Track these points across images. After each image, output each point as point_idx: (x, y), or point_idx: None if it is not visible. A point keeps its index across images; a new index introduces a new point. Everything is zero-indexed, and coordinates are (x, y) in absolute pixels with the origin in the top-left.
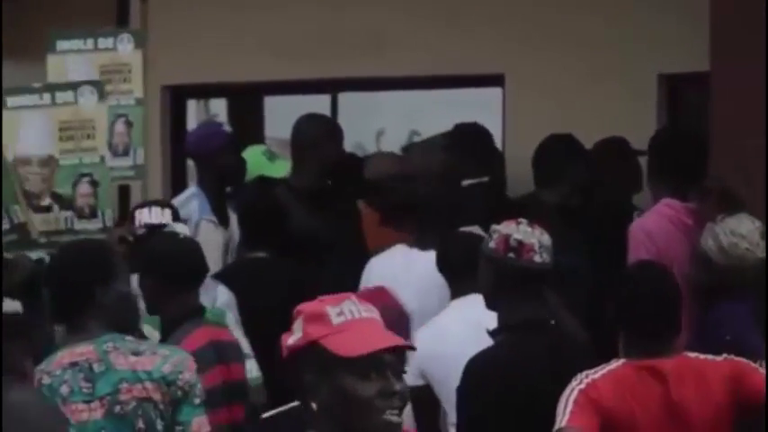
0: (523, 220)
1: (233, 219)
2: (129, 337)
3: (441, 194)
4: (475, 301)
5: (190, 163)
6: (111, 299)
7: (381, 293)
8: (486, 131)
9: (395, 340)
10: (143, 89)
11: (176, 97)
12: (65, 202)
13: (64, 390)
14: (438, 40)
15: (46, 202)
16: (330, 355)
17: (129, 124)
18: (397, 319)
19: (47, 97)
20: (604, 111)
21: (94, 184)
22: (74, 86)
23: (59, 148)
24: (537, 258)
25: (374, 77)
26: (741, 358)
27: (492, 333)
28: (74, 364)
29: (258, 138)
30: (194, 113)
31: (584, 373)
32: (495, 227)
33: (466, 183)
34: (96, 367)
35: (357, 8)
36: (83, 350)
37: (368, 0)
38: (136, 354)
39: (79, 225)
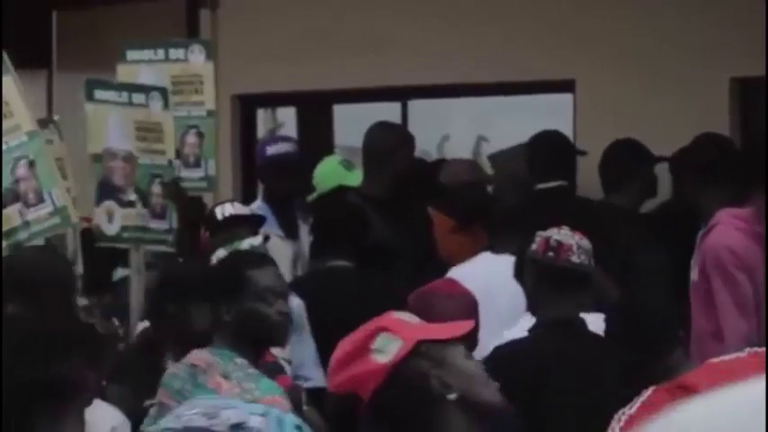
0: (565, 227)
1: (303, 229)
2: (239, 360)
3: (515, 200)
4: None
5: None
6: (237, 316)
7: (451, 284)
8: (566, 138)
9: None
10: (214, 100)
11: (246, 107)
12: (143, 200)
13: (176, 385)
14: (507, 46)
15: (131, 197)
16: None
17: (200, 135)
18: (468, 305)
19: (124, 96)
20: (675, 116)
21: (164, 186)
22: (145, 90)
23: (136, 147)
24: (575, 258)
25: (443, 84)
26: None
27: (528, 331)
28: (193, 366)
29: (327, 146)
30: (262, 122)
31: (621, 411)
32: (538, 232)
33: (541, 186)
34: (200, 378)
35: (425, 16)
36: (202, 356)
37: (435, 8)
38: (225, 377)
39: (152, 224)
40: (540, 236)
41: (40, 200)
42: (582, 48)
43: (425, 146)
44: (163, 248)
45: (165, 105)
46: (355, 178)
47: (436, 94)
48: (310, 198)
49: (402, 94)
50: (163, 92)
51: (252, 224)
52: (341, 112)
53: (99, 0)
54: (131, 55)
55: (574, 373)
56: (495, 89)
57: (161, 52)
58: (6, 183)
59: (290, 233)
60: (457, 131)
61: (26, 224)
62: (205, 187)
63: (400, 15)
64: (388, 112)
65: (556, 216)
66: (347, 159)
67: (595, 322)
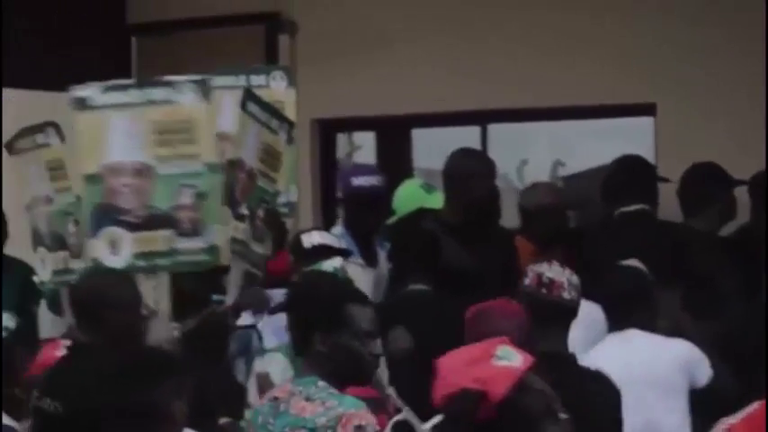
0: (555, 262)
1: (380, 255)
2: (321, 383)
3: (597, 224)
4: (631, 337)
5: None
6: (332, 349)
7: (506, 304)
8: (647, 162)
9: None
10: (295, 127)
11: (325, 131)
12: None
13: (259, 420)
14: (586, 70)
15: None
16: None
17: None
18: (520, 326)
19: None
20: (758, 138)
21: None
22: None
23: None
24: (566, 295)
25: (523, 108)
26: None
27: None
28: (275, 399)
29: (406, 169)
30: (339, 145)
31: (722, 420)
32: (530, 266)
33: (622, 210)
34: (282, 407)
35: (504, 41)
36: (285, 388)
37: (515, 33)
38: (308, 399)
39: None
40: (533, 271)
41: (196, 233)
42: (663, 72)
43: (504, 170)
44: (257, 272)
45: (289, 141)
46: (435, 201)
47: (516, 118)
48: (390, 221)
49: (481, 118)
50: (290, 126)
51: (338, 255)
52: (420, 134)
53: (178, 26)
54: (213, 81)
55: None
56: (575, 113)
57: (242, 78)
58: (165, 206)
59: (371, 262)
60: (536, 155)
61: (173, 252)
62: (287, 213)
63: (480, 40)
64: (468, 135)
65: (636, 240)
66: (427, 182)
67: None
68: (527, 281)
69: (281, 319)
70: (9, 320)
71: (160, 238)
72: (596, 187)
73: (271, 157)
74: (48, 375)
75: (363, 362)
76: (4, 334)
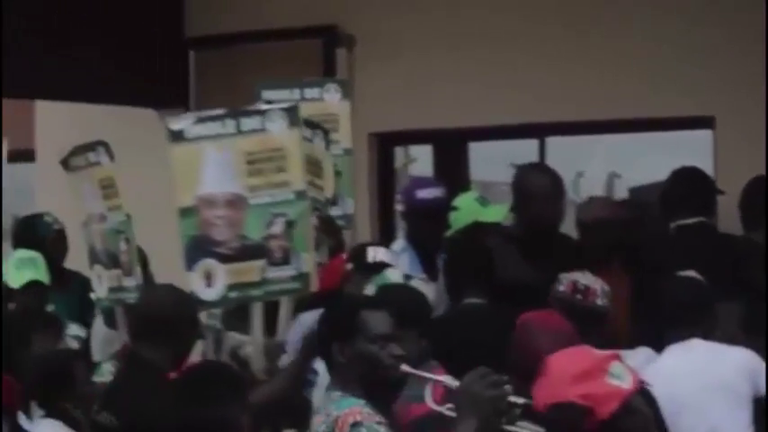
0: (587, 271)
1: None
2: (335, 393)
3: (654, 237)
4: (694, 346)
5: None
6: (348, 356)
7: (547, 317)
8: (706, 174)
9: None
10: (350, 139)
11: (383, 145)
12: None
13: None
14: (644, 83)
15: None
16: None
17: (337, 174)
18: (564, 340)
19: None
20: None
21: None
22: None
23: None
24: (599, 301)
25: (581, 121)
26: None
27: None
28: None
29: (463, 182)
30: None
31: None
32: (563, 274)
33: (680, 223)
34: None
35: (562, 54)
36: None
37: (572, 47)
38: (317, 413)
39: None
40: (567, 279)
41: (287, 261)
42: (722, 85)
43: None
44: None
45: (327, 146)
46: (491, 214)
47: (573, 131)
48: (447, 234)
49: (539, 131)
50: (325, 133)
51: None
52: (476, 146)
53: (236, 39)
54: (267, 95)
55: None
56: (632, 126)
57: (297, 92)
58: (257, 236)
59: (434, 276)
60: (593, 169)
61: (264, 281)
62: (343, 225)
63: (538, 54)
64: (525, 148)
65: (695, 252)
66: (483, 195)
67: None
68: (561, 288)
69: None
70: (79, 330)
71: (253, 269)
72: (652, 199)
73: (312, 164)
74: (108, 390)
75: (382, 365)
76: (75, 343)
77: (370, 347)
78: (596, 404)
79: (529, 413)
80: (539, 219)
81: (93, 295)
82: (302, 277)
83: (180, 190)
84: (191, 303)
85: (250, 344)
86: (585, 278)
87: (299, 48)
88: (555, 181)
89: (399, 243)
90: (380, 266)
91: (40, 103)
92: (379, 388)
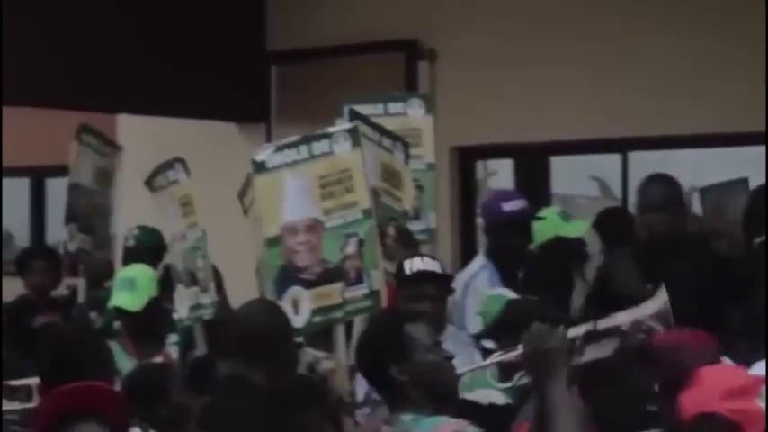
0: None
1: None
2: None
3: (739, 253)
4: None
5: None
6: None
7: (697, 332)
8: None
9: None
10: (433, 153)
11: (464, 159)
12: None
13: None
14: (729, 96)
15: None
16: None
17: (419, 188)
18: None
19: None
20: None
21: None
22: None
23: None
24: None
25: (664, 136)
26: None
27: None
28: None
29: (544, 196)
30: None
31: None
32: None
33: (762, 240)
34: None
35: (645, 68)
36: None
37: (655, 61)
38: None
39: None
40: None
41: (359, 280)
42: None
43: None
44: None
45: (406, 159)
46: (574, 229)
47: (656, 145)
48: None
49: (622, 146)
50: (405, 145)
51: (441, 281)
52: (556, 159)
53: (317, 54)
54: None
55: None
56: (716, 141)
57: (380, 107)
58: (335, 259)
59: (516, 291)
60: None
61: (343, 303)
62: (426, 240)
63: (620, 68)
64: (607, 163)
65: None
66: (565, 211)
67: None
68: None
69: None
70: (176, 337)
71: (333, 292)
72: (733, 200)
73: (391, 175)
74: (204, 408)
75: (444, 370)
76: (174, 352)
77: (431, 356)
78: (746, 422)
79: None
80: (655, 229)
81: (175, 315)
82: (373, 294)
83: (266, 220)
84: (287, 320)
85: (326, 359)
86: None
87: (381, 62)
88: (672, 191)
89: (479, 259)
90: (420, 276)
91: (122, 120)
92: (444, 394)
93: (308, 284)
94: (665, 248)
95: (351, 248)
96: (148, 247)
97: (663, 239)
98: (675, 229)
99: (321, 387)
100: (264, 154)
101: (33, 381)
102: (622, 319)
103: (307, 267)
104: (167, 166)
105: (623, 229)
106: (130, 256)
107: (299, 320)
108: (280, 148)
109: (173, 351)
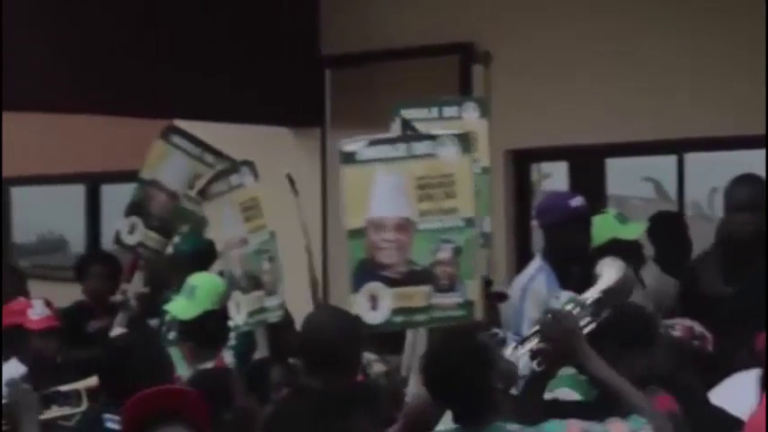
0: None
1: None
2: (511, 426)
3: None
4: None
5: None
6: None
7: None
8: None
9: None
10: (489, 157)
11: (519, 162)
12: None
13: None
14: None
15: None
16: None
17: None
18: None
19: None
20: None
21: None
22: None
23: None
24: (709, 347)
25: (719, 137)
26: None
27: None
28: None
29: (599, 197)
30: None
31: None
32: (678, 320)
33: None
34: None
35: (700, 68)
36: None
37: (710, 60)
38: None
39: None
40: (681, 324)
41: (452, 288)
42: None
43: (699, 199)
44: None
45: (465, 151)
46: (630, 231)
47: (712, 147)
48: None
49: (677, 147)
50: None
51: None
52: (611, 161)
53: (371, 58)
54: (405, 113)
55: None
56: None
57: (435, 110)
58: (425, 261)
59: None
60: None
61: (430, 307)
62: (481, 244)
63: (675, 69)
64: (662, 164)
65: None
66: (621, 212)
67: None
68: (677, 333)
69: None
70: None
71: (418, 294)
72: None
73: (432, 187)
74: (270, 416)
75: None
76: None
77: (508, 361)
78: None
79: None
80: (737, 230)
81: (230, 323)
82: (468, 305)
83: (349, 211)
84: (356, 328)
85: (378, 362)
86: (699, 326)
87: (435, 65)
88: (758, 192)
89: (536, 262)
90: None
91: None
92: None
93: (391, 283)
94: (751, 249)
95: (444, 254)
96: (188, 255)
97: (748, 240)
98: (760, 229)
99: (379, 392)
100: (355, 145)
101: (82, 385)
102: (591, 294)
103: (392, 265)
104: (229, 171)
105: (677, 233)
106: (170, 265)
107: (376, 317)
108: (373, 143)
109: (227, 356)
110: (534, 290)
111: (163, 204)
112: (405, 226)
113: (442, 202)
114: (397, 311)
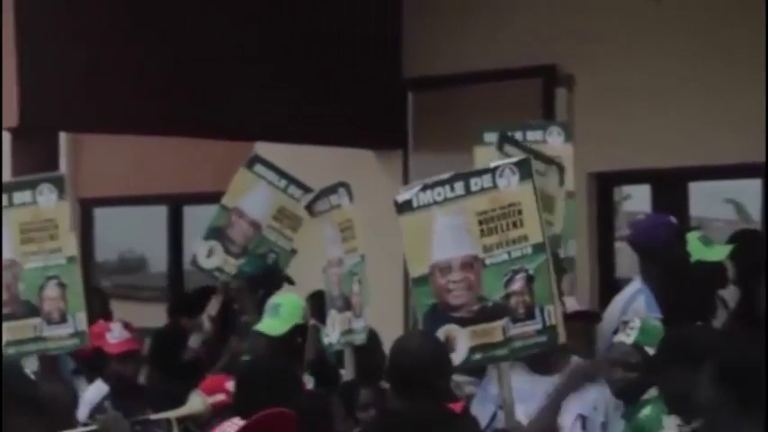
0: None
1: None
2: None
3: None
4: None
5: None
6: None
7: None
8: None
9: None
10: (573, 182)
11: (602, 185)
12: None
13: None
14: None
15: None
16: None
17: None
18: None
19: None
20: None
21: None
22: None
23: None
24: None
25: None
26: None
27: None
28: None
29: (682, 219)
30: None
31: None
32: None
33: None
34: None
35: None
36: None
37: None
38: None
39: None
40: None
41: (530, 316)
42: None
43: None
44: None
45: (561, 182)
46: (714, 253)
47: None
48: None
49: (762, 171)
50: (560, 167)
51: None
52: (693, 184)
53: (454, 81)
54: (489, 137)
55: None
56: None
57: (519, 134)
58: (496, 295)
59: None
60: None
61: (508, 340)
62: (566, 268)
63: (759, 92)
64: (744, 187)
65: None
66: (706, 235)
67: None
68: None
69: None
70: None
71: (495, 329)
72: None
73: (543, 200)
74: None
75: None
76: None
77: None
78: None
79: None
80: None
81: (325, 340)
82: (548, 330)
83: (412, 259)
84: (444, 353)
85: (469, 384)
86: None
87: (518, 88)
88: None
89: (635, 284)
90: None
91: (259, 149)
92: None
93: (465, 322)
94: None
95: (517, 284)
96: (250, 277)
97: None
98: None
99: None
100: (409, 193)
101: (174, 414)
102: None
103: (463, 305)
104: (330, 190)
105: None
106: (233, 287)
107: (455, 358)
108: (427, 186)
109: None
110: (635, 310)
111: (243, 232)
112: (470, 263)
113: (509, 233)
114: (475, 349)
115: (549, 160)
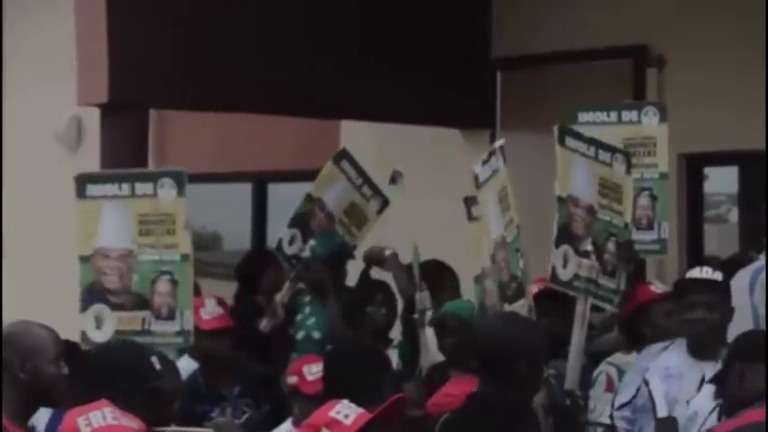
0: None
1: None
2: None
3: None
4: None
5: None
6: None
7: None
8: None
9: None
10: (667, 163)
11: (693, 166)
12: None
13: None
14: None
15: (588, 247)
16: None
17: (653, 198)
18: None
19: (592, 150)
20: None
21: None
22: (610, 149)
23: (598, 203)
24: None
25: None
26: None
27: None
28: None
29: None
30: None
31: None
32: None
33: None
34: None
35: None
36: None
37: None
38: None
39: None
40: None
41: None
42: None
43: None
44: (608, 307)
45: (628, 170)
46: None
47: None
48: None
49: None
50: (626, 156)
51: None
52: None
53: (543, 60)
54: (583, 117)
55: None
56: None
57: (613, 114)
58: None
59: None
60: None
61: None
62: (657, 250)
63: None
64: None
65: None
66: None
67: None
68: None
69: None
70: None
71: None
72: None
73: (609, 189)
74: (445, 421)
75: None
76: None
77: None
78: None
79: None
80: None
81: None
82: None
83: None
84: (535, 336)
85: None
86: None
87: (608, 68)
88: None
89: (759, 261)
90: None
91: (345, 127)
92: None
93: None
94: None
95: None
96: (325, 257)
97: None
98: None
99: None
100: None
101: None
102: None
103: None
104: (490, 154)
105: None
106: (307, 267)
107: None
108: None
109: (392, 355)
110: (763, 282)
111: (321, 223)
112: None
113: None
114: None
115: (613, 149)
